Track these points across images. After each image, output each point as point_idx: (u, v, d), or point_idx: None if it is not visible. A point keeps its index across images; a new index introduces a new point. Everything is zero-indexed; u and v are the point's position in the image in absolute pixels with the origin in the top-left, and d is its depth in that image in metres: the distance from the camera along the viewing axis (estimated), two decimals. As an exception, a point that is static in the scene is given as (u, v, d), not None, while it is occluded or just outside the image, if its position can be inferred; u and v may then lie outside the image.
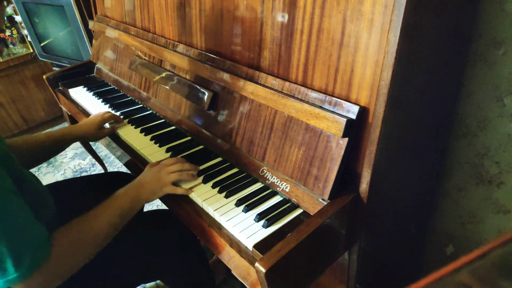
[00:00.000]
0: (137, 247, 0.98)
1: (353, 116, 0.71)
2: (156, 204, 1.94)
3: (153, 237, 1.02)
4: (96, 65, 1.64)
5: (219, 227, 0.81)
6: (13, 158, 0.74)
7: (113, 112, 1.29)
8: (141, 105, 1.36)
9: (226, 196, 0.87)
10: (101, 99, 1.41)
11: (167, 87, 1.17)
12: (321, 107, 0.76)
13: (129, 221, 1.01)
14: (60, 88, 1.58)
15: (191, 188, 0.90)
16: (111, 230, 0.77)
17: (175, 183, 0.90)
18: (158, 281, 1.51)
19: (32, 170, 0.94)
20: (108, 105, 1.37)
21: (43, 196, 0.86)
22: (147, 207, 1.68)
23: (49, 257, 0.66)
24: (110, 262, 0.92)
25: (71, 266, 0.71)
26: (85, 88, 1.52)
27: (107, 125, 1.22)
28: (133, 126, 1.22)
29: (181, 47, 1.15)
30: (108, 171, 2.08)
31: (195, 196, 0.88)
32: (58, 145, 1.09)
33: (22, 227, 0.64)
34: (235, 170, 0.97)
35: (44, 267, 0.65)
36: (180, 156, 1.03)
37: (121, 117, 1.26)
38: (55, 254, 0.67)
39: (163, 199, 1.03)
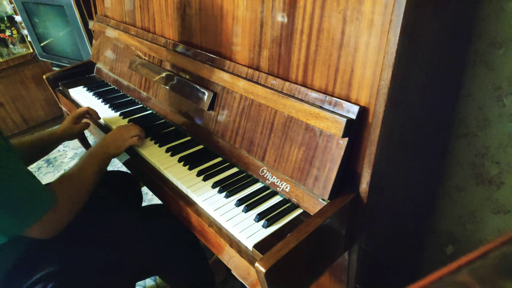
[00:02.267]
0: (134, 240, 0.99)
1: (353, 116, 0.71)
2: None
3: (151, 230, 1.03)
4: (96, 65, 1.64)
5: (219, 227, 0.81)
6: (11, 145, 0.81)
7: (108, 109, 1.32)
8: (141, 105, 1.36)
9: (226, 196, 0.87)
10: (101, 99, 1.41)
11: (167, 87, 1.17)
12: (321, 107, 0.76)
13: (129, 214, 1.03)
14: (60, 88, 1.58)
15: (191, 186, 0.90)
16: (95, 179, 0.93)
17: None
18: (158, 280, 1.51)
19: (32, 170, 0.96)
20: (108, 105, 1.37)
21: None
22: (146, 203, 1.68)
23: (56, 201, 0.80)
24: (109, 253, 0.93)
25: (72, 209, 0.85)
26: (85, 88, 1.52)
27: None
28: (133, 126, 1.21)
29: (181, 47, 1.15)
30: (108, 170, 2.08)
31: (195, 196, 0.88)
32: (44, 146, 1.13)
33: (27, 178, 0.77)
34: (235, 170, 0.97)
35: (52, 211, 0.79)
36: (180, 155, 1.03)
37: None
38: (59, 199, 0.81)
39: (163, 199, 1.03)
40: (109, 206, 1.06)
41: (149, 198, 1.92)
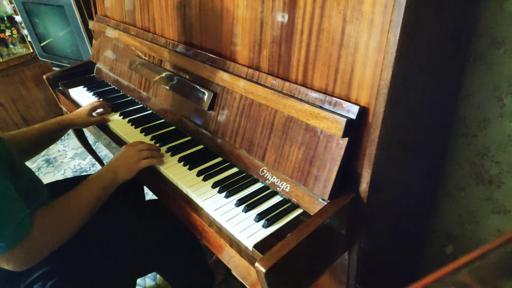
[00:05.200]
0: (134, 237, 0.99)
1: (353, 116, 0.71)
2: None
3: (151, 229, 1.03)
4: (96, 65, 1.64)
5: (219, 227, 0.81)
6: (5, 144, 0.76)
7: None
8: (141, 105, 1.36)
9: (226, 196, 0.87)
10: (101, 99, 1.41)
11: (167, 87, 1.17)
12: (321, 107, 0.76)
13: (130, 209, 1.02)
14: (60, 88, 1.58)
15: (191, 186, 0.90)
16: (89, 209, 0.83)
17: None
18: (158, 281, 1.51)
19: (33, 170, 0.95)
20: (111, 107, 1.37)
21: (36, 185, 0.87)
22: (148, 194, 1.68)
23: (30, 231, 0.70)
24: (109, 250, 0.93)
25: (52, 241, 0.76)
26: (85, 88, 1.52)
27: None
28: (133, 126, 1.22)
29: (181, 47, 1.15)
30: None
31: (195, 196, 0.88)
32: (52, 133, 1.12)
33: (2, 201, 0.68)
34: (235, 170, 0.97)
35: (26, 241, 0.69)
36: (180, 155, 1.03)
37: (119, 115, 1.29)
38: (36, 229, 0.71)
39: (164, 199, 1.03)
40: (109, 204, 1.06)
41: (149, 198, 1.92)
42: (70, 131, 1.59)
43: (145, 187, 1.43)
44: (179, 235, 1.08)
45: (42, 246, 0.74)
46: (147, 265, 1.05)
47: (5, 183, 0.70)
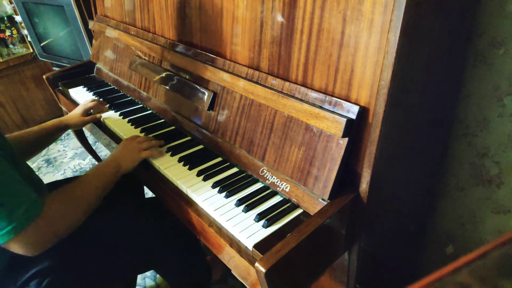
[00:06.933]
0: (134, 234, 0.99)
1: (353, 116, 0.71)
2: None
3: (151, 224, 1.04)
4: (96, 65, 1.64)
5: (219, 227, 0.81)
6: (8, 143, 0.79)
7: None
8: (141, 105, 1.36)
9: (226, 196, 0.87)
10: (101, 99, 1.41)
11: (167, 87, 1.17)
12: (321, 107, 0.76)
13: (128, 207, 1.06)
14: (60, 88, 1.58)
15: (191, 186, 0.90)
16: (96, 197, 0.86)
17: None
18: (158, 281, 1.51)
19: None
20: (108, 105, 1.37)
21: (37, 185, 0.87)
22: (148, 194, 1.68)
23: (41, 212, 0.72)
24: (107, 248, 0.94)
25: (62, 225, 0.77)
26: (85, 88, 1.52)
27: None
28: (133, 126, 1.22)
29: (181, 47, 1.15)
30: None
31: (195, 196, 0.88)
32: (50, 135, 1.15)
33: (12, 184, 0.70)
34: (235, 170, 0.97)
35: (36, 223, 0.71)
36: (180, 155, 1.03)
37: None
38: (46, 212, 0.73)
39: (163, 199, 1.03)
40: (108, 202, 1.06)
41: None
42: (70, 132, 1.59)
43: (145, 188, 1.43)
44: (177, 233, 1.08)
45: (52, 229, 0.75)
46: (145, 263, 1.06)
47: (13, 169, 0.72)
